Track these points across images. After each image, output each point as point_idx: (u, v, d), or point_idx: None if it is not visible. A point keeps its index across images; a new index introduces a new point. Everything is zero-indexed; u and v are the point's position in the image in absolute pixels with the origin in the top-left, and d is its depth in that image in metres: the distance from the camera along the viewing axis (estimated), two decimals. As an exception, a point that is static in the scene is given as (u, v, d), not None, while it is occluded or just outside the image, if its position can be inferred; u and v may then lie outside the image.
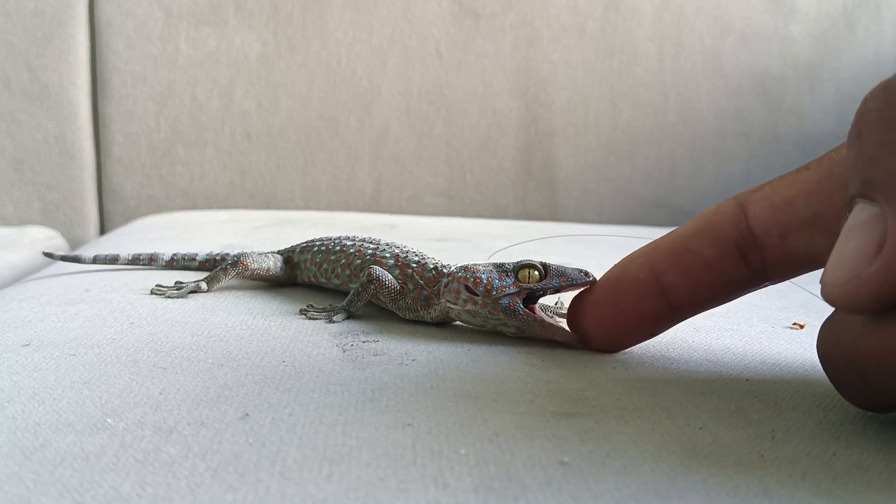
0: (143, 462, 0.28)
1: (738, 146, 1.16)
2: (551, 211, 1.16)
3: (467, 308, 0.44)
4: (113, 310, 0.49)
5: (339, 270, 0.53)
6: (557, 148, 1.15)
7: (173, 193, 1.13)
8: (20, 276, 0.83)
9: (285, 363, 0.39)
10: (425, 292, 0.47)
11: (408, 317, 0.48)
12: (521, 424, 0.32)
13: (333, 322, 0.46)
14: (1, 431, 0.30)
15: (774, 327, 0.50)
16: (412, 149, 1.14)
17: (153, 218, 0.99)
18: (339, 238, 0.55)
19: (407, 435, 0.31)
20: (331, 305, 0.49)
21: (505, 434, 0.31)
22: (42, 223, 1.11)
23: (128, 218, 1.12)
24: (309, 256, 0.56)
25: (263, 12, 1.12)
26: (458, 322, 0.46)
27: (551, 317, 0.44)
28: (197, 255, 0.62)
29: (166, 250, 0.64)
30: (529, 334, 0.43)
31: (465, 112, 1.14)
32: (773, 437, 0.31)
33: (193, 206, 1.13)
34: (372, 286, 0.48)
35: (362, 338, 0.44)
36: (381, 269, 0.49)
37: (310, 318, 0.47)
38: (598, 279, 0.42)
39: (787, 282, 0.40)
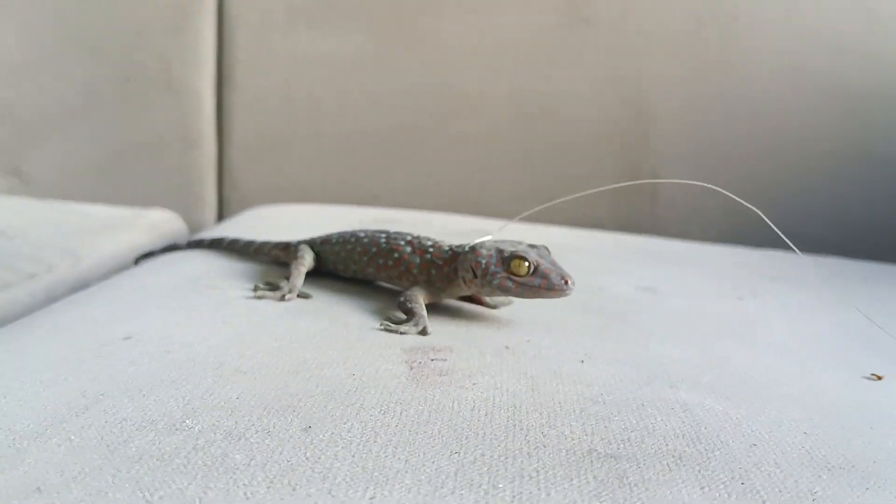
0: (209, 466, 0.31)
1: (856, 169, 1.11)
2: (652, 224, 1.14)
3: (474, 284, 0.52)
4: (211, 306, 0.53)
5: (357, 257, 0.59)
6: (663, 160, 1.13)
7: (288, 185, 1.18)
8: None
9: (354, 376, 0.41)
10: (445, 269, 0.55)
11: (437, 297, 0.55)
12: (565, 462, 0.33)
13: (402, 334, 0.49)
14: (92, 426, 0.34)
15: (853, 375, 0.49)
16: (516, 152, 1.15)
17: (266, 209, 1.04)
18: (354, 231, 0.61)
19: (452, 463, 0.33)
20: (403, 318, 0.52)
21: (546, 472, 0.32)
22: (166, 206, 1.18)
23: (244, 205, 1.18)
24: (328, 248, 0.61)
25: (381, 13, 1.15)
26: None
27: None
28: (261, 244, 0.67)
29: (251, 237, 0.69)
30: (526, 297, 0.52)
31: (571, 119, 1.14)
32: None
33: (306, 199, 1.17)
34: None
35: (432, 355, 0.46)
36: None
37: (384, 330, 0.50)
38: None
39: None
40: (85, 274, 0.80)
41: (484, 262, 0.52)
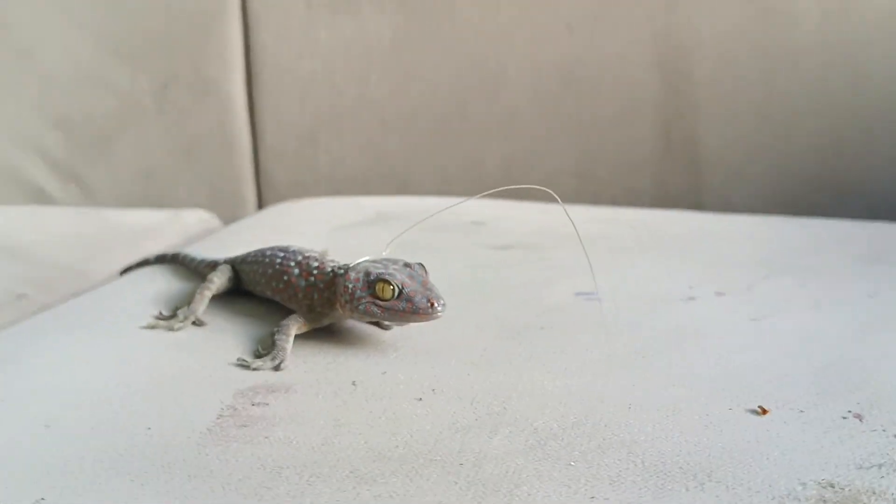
0: None
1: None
2: (695, 194, 1.06)
3: (346, 309, 0.50)
4: (97, 340, 0.53)
5: (259, 279, 0.57)
6: (700, 123, 1.04)
7: (318, 179, 1.19)
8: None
9: (149, 430, 0.40)
10: (326, 294, 0.52)
11: (318, 322, 0.53)
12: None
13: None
14: None
15: (733, 408, 0.43)
16: (541, 129, 1.09)
17: (280, 207, 1.05)
18: (264, 249, 0.58)
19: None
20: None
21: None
22: (208, 207, 1.21)
23: (280, 202, 1.20)
24: (245, 267, 0.59)
25: (395, -4, 1.12)
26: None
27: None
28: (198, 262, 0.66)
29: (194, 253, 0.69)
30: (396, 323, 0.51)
31: (597, 88, 1.07)
32: None
33: (336, 192, 1.17)
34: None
35: (258, 398, 0.44)
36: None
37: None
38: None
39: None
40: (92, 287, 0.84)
41: (351, 286, 0.50)
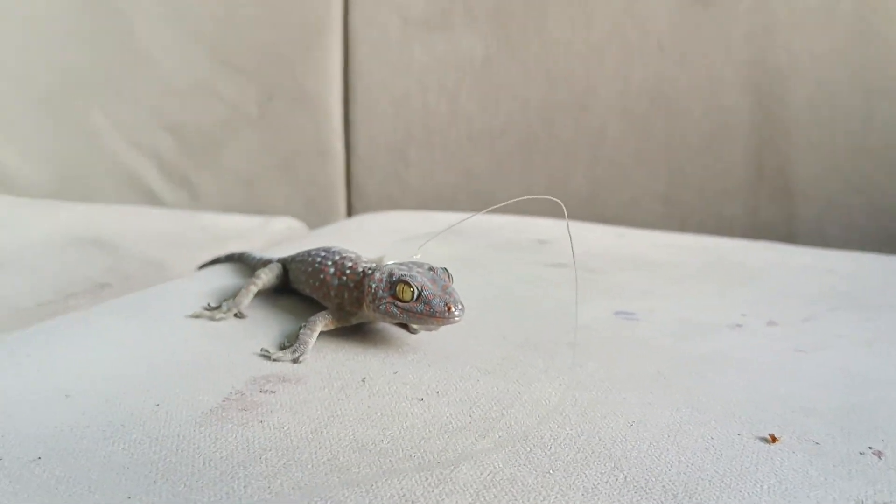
0: None
1: None
2: (787, 225, 1.01)
3: (370, 308, 0.51)
4: (147, 326, 0.56)
5: (301, 276, 0.59)
6: (796, 150, 1.00)
7: (407, 192, 1.21)
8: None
9: (158, 406, 0.42)
10: (355, 293, 0.53)
11: (347, 321, 0.54)
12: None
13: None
14: None
15: (742, 434, 0.41)
16: (629, 150, 1.08)
17: (361, 217, 1.08)
18: (311, 250, 0.60)
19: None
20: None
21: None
22: (302, 216, 1.26)
23: (369, 212, 1.23)
24: (293, 265, 0.62)
25: (488, 13, 1.14)
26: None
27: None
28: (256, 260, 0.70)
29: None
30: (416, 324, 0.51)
31: (688, 110, 1.04)
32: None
33: (424, 205, 1.19)
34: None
35: (268, 385, 0.45)
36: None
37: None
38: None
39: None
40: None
41: (374, 285, 0.51)
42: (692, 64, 1.04)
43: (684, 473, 0.37)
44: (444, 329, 0.52)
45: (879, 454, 0.40)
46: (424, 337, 0.54)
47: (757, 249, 0.87)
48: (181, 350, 0.51)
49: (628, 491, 0.35)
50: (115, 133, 1.34)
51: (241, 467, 0.36)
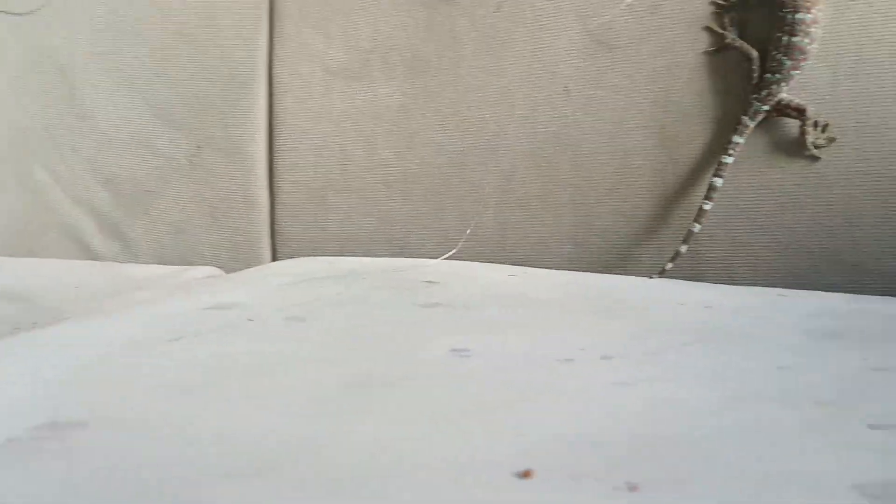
0: None
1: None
2: (694, 264, 1.00)
3: None
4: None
5: None
6: (700, 192, 0.99)
7: (328, 238, 1.21)
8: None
9: None
10: None
11: None
12: None
13: None
14: None
15: (500, 469, 0.40)
16: (537, 193, 1.07)
17: (268, 265, 1.08)
18: None
19: None
20: None
21: None
22: (229, 263, 1.26)
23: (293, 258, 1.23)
24: None
25: (405, 63, 1.15)
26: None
27: None
28: None
29: None
30: None
31: (595, 152, 1.04)
32: None
33: (344, 250, 1.19)
34: None
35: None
36: None
37: None
38: None
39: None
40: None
41: None
42: (597, 107, 1.04)
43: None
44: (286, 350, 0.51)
45: (636, 488, 0.38)
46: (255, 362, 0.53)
47: (647, 287, 0.86)
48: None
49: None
50: (58, 188, 1.35)
51: None
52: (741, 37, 0.96)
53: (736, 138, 0.94)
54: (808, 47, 0.91)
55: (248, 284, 0.89)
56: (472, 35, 1.11)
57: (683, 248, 0.96)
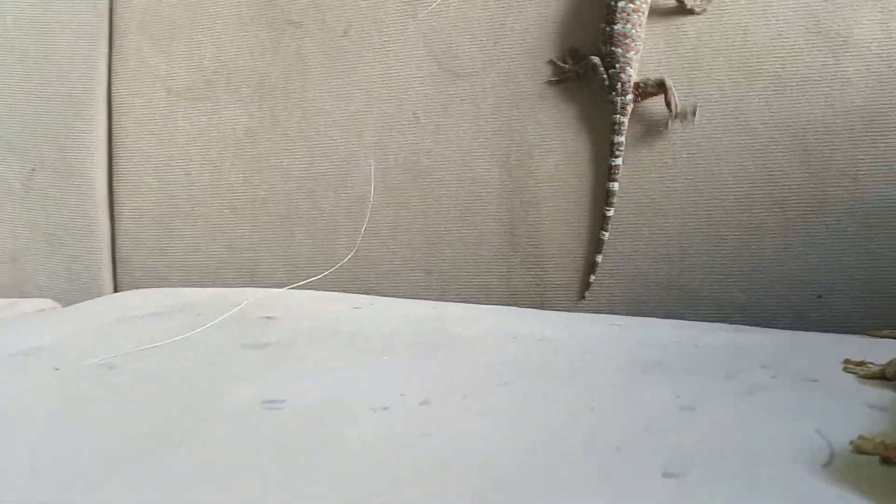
0: None
1: (770, 216, 0.93)
2: (539, 291, 1.01)
3: None
4: None
5: None
6: (545, 219, 1.00)
7: (172, 266, 1.16)
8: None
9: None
10: None
11: None
12: None
13: None
14: None
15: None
16: (388, 221, 1.06)
17: (103, 298, 1.02)
18: None
19: None
20: None
21: None
22: (67, 293, 1.19)
23: (136, 288, 1.17)
24: None
25: (251, 85, 1.12)
26: None
27: None
28: None
29: None
30: None
31: (443, 180, 1.04)
32: None
33: (189, 280, 1.14)
34: None
35: None
36: None
37: None
38: None
39: None
40: None
41: None
42: (446, 134, 1.04)
43: None
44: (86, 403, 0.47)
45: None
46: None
47: (486, 317, 0.86)
48: None
49: None
50: None
51: None
52: (580, 55, 0.98)
53: (617, 138, 0.96)
54: (631, 31, 0.93)
55: (68, 324, 0.84)
56: (319, 58, 1.09)
57: (599, 258, 0.97)
